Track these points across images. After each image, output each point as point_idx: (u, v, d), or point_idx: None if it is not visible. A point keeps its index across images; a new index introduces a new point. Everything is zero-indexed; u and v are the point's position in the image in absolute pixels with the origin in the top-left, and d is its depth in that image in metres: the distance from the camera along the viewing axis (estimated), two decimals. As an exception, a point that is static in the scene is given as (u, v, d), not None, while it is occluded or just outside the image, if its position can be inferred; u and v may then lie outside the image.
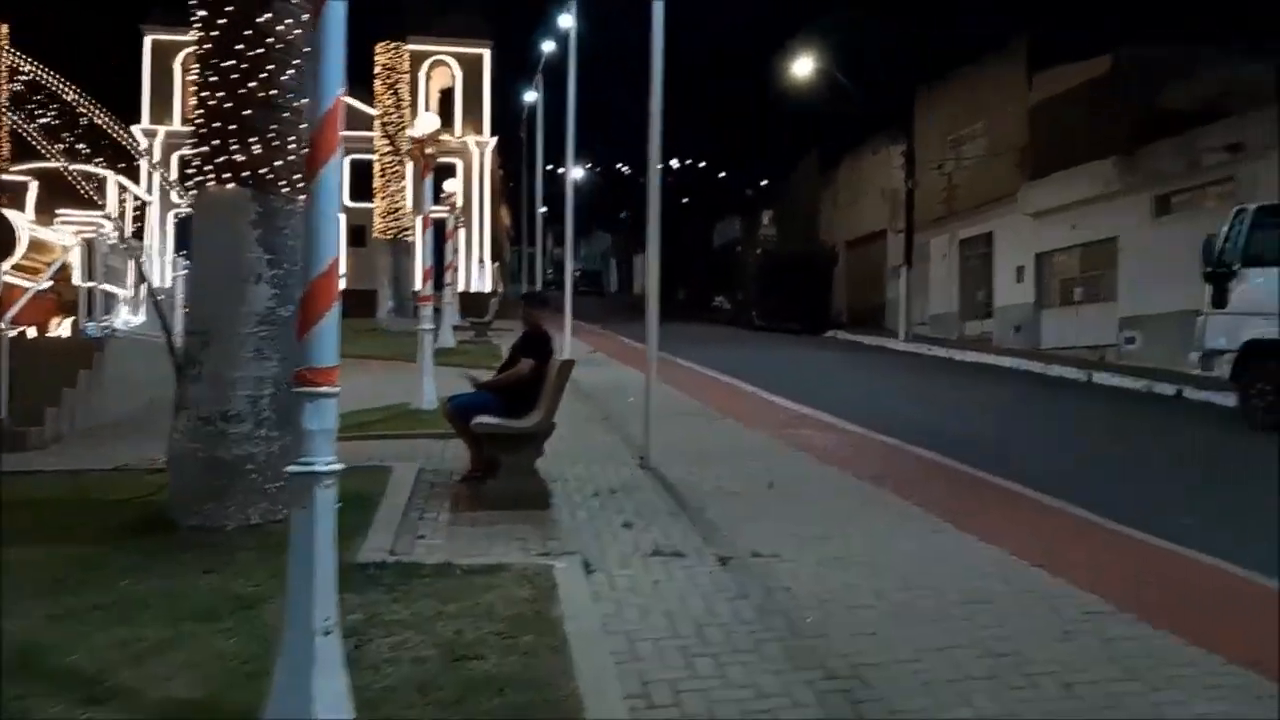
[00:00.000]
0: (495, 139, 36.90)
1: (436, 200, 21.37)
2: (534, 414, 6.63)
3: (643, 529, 5.96)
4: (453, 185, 19.45)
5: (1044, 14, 23.39)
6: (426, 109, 36.70)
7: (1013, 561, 5.36)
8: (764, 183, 45.35)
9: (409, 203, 21.91)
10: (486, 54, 36.41)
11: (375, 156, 23.38)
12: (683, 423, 10.28)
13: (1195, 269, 12.58)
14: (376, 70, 22.87)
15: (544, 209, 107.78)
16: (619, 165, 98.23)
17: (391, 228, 22.53)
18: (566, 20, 16.46)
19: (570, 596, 4.59)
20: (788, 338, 27.69)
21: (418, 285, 10.55)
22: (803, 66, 26.49)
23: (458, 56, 36.36)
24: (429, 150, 10.22)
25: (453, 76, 36.87)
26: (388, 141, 22.38)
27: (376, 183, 23.22)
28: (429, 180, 10.64)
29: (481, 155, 36.73)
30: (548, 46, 22.97)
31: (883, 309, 30.86)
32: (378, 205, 23.07)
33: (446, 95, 37.38)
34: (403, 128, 22.70)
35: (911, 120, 26.59)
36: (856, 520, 6.22)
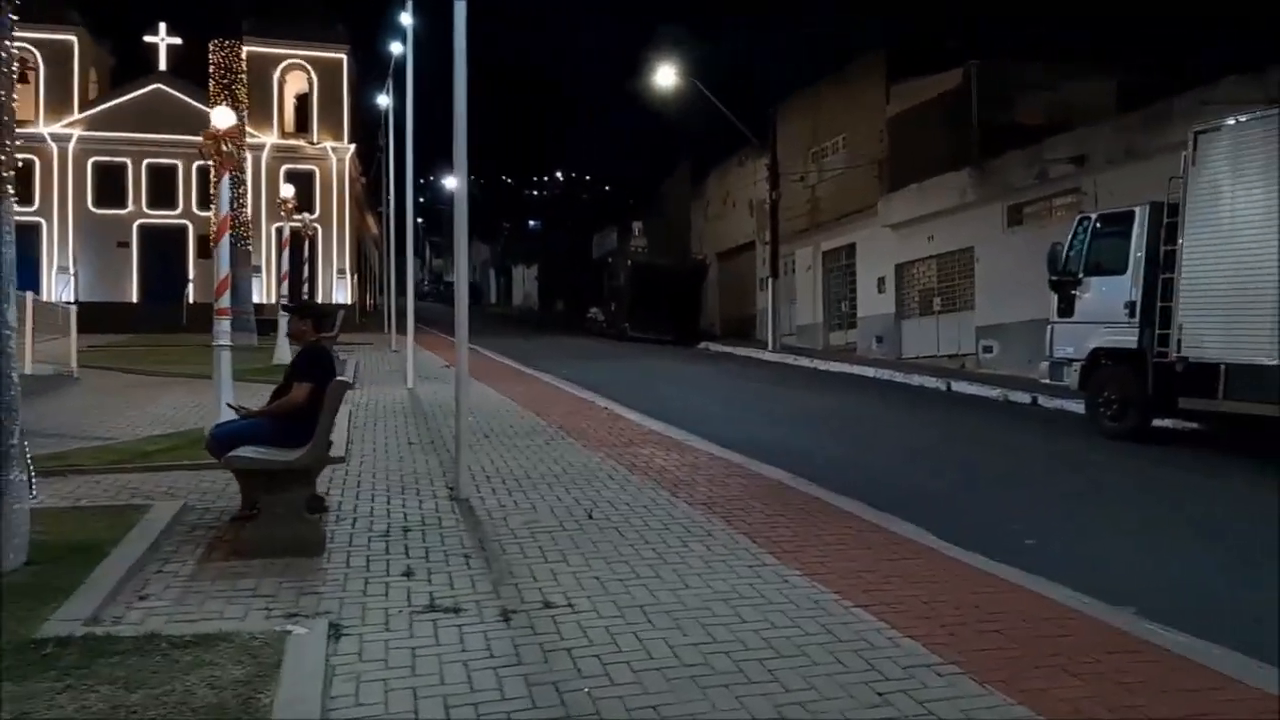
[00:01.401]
0: (354, 146, 35.33)
1: (284, 208, 19.99)
2: (307, 445, 5.70)
3: (425, 577, 5.12)
4: (287, 191, 18.14)
5: (902, 27, 23.67)
6: (281, 114, 34.97)
7: (834, 602, 4.75)
8: (633, 196, 45.05)
9: (248, 208, 20.45)
10: (344, 59, 34.84)
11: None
12: (516, 444, 9.48)
13: (1045, 278, 12.55)
14: (210, 69, 21.29)
15: (420, 220, 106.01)
16: (504, 177, 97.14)
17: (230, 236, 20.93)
18: (406, 19, 15.47)
19: (296, 675, 3.72)
20: (659, 349, 27.24)
21: (226, 299, 9.34)
22: (665, 77, 26.10)
23: (313, 60, 34.67)
24: (226, 148, 9.15)
25: (309, 81, 35.14)
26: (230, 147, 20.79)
27: (211, 188, 21.53)
28: (226, 184, 9.51)
29: (340, 163, 35.08)
30: (397, 49, 21.83)
31: (754, 320, 30.80)
32: (213, 212, 21.41)
33: (304, 101, 35.64)
34: (240, 130, 21.20)
35: (774, 132, 26.54)
36: (673, 556, 5.53)
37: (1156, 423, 11.27)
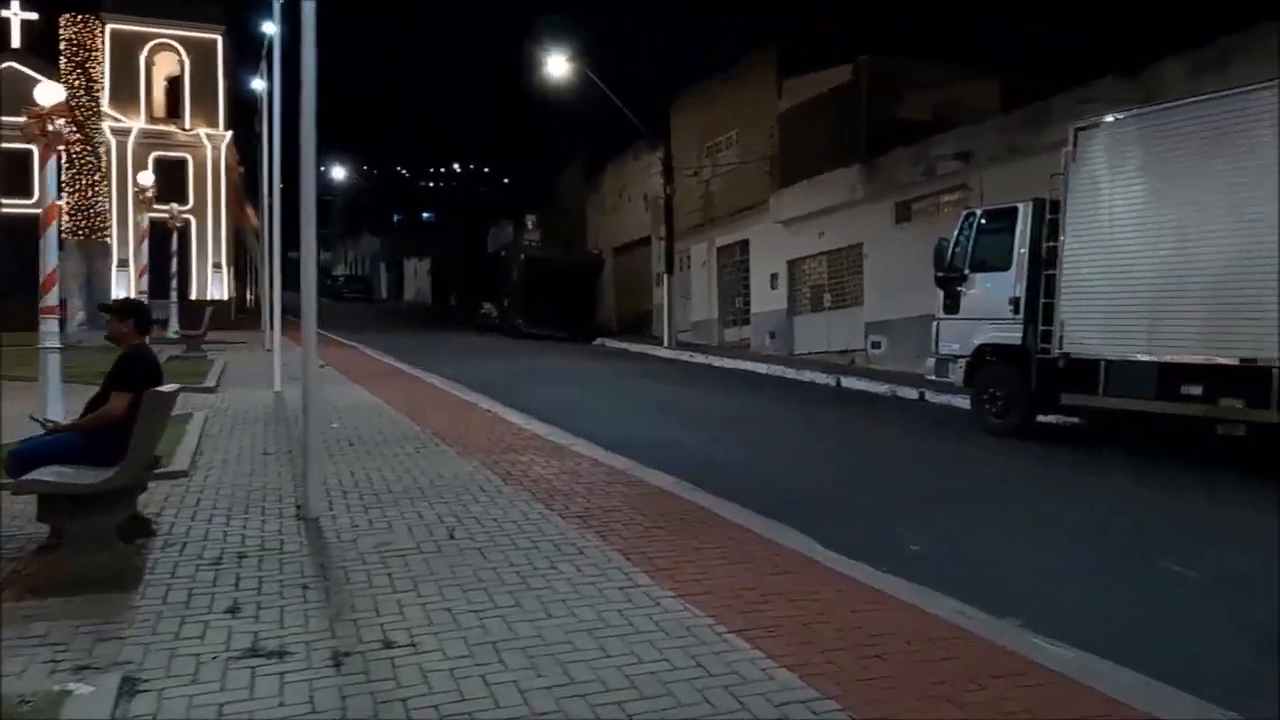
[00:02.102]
0: (230, 133, 33.56)
1: (142, 196, 18.59)
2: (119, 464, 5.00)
3: (253, 614, 4.51)
4: (146, 178, 16.89)
5: (794, 21, 23.66)
6: (150, 98, 32.97)
7: (708, 628, 4.36)
8: (528, 189, 44.29)
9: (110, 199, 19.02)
10: (219, 40, 33.04)
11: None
12: (383, 453, 8.83)
13: (932, 274, 12.52)
14: (61, 45, 19.73)
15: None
16: (398, 168, 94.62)
17: (84, 227, 19.44)
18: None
19: (63, 751, 3.10)
20: (553, 346, 26.68)
21: (53, 296, 8.42)
22: (557, 66, 25.51)
23: (184, 41, 32.78)
24: (52, 128, 8.20)
25: (180, 63, 33.23)
26: (75, 129, 19.30)
27: (64, 175, 20.00)
28: (53, 166, 8.55)
29: (215, 150, 33.30)
30: (270, 28, 20.67)
31: (650, 316, 30.51)
32: (66, 202, 19.88)
33: (175, 84, 33.69)
34: (95, 112, 19.71)
35: (668, 126, 26.25)
36: (538, 580, 5.06)
37: (1040, 419, 11.35)
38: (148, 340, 5.96)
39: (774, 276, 24.09)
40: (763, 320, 24.59)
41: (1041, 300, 10.81)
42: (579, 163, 37.01)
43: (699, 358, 22.97)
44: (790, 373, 19.14)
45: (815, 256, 22.62)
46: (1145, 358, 9.53)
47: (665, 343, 25.69)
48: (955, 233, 12.28)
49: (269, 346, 21.72)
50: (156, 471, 7.55)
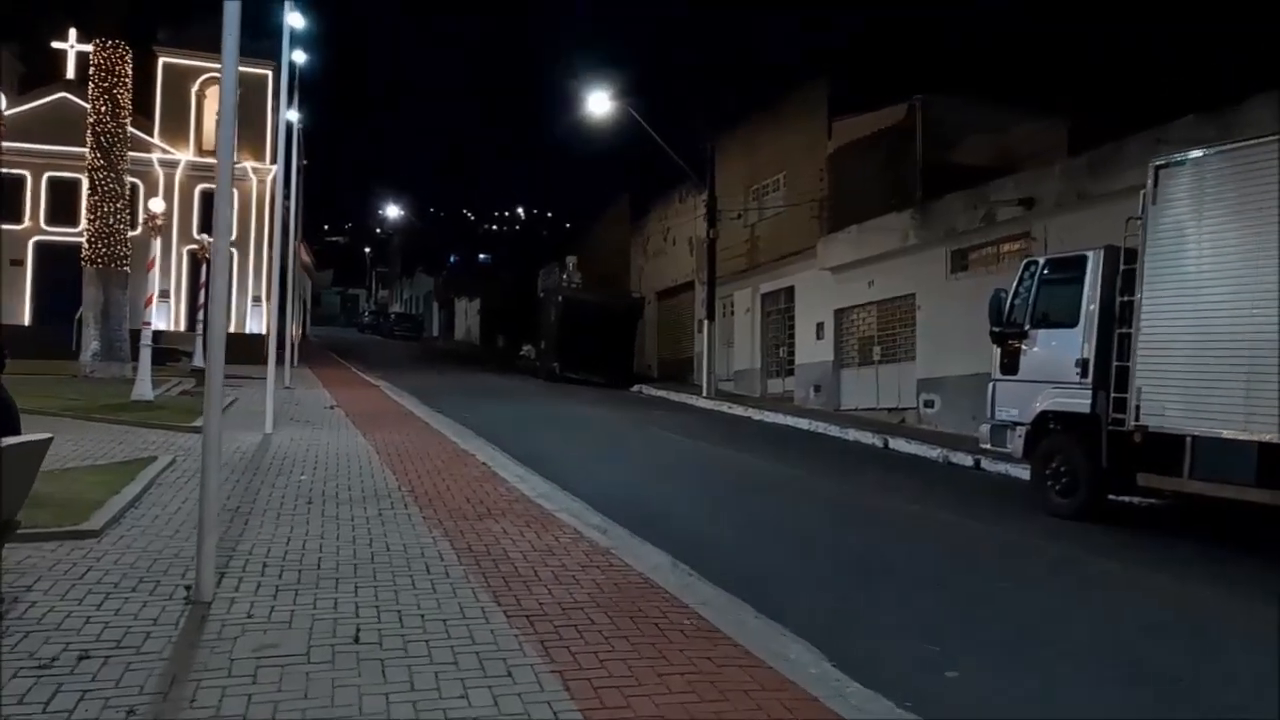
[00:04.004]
0: (276, 167, 33.34)
1: (136, 221, 18.05)
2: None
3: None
4: (157, 205, 16.26)
5: (845, 60, 22.56)
6: (199, 131, 33.02)
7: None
8: (573, 229, 43.63)
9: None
10: (269, 75, 32.96)
11: (86, 173, 19.68)
12: (338, 514, 7.69)
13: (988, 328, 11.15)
14: (90, 71, 19.40)
15: (367, 250, 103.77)
16: (463, 210, 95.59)
17: (103, 255, 18.91)
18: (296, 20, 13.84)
19: None
20: (587, 391, 25.54)
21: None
22: (599, 104, 24.67)
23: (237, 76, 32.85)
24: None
25: (231, 97, 33.26)
26: (100, 154, 18.86)
27: (86, 202, 19.57)
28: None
29: (260, 184, 33.14)
30: (299, 58, 20.29)
31: (691, 363, 29.28)
32: (88, 229, 19.39)
33: (225, 117, 33.71)
34: (121, 138, 19.29)
35: (713, 168, 25.20)
36: (441, 713, 3.82)
37: (1114, 497, 9.83)
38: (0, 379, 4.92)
39: (820, 326, 22.72)
40: (807, 372, 23.18)
41: (1114, 363, 9.36)
42: (623, 204, 36.19)
43: (738, 409, 21.63)
44: (834, 430, 17.71)
45: (864, 306, 21.23)
46: (1241, 436, 8.01)
47: (704, 392, 24.40)
48: (1014, 284, 10.90)
49: (289, 384, 21.05)
50: (59, 530, 6.55)
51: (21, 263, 31.23)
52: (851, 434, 17.17)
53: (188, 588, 5.30)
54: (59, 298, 30.86)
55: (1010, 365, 10.74)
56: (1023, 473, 11.84)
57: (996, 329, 10.80)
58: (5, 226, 31.03)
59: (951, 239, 18.28)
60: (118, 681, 4.07)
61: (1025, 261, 11.19)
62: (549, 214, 79.77)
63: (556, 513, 8.14)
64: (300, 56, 21.73)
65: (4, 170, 30.91)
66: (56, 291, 30.90)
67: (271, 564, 6.07)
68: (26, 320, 30.92)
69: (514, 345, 44.12)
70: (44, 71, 32.68)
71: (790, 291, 24.38)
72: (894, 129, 20.56)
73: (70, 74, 30.79)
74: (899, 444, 15.86)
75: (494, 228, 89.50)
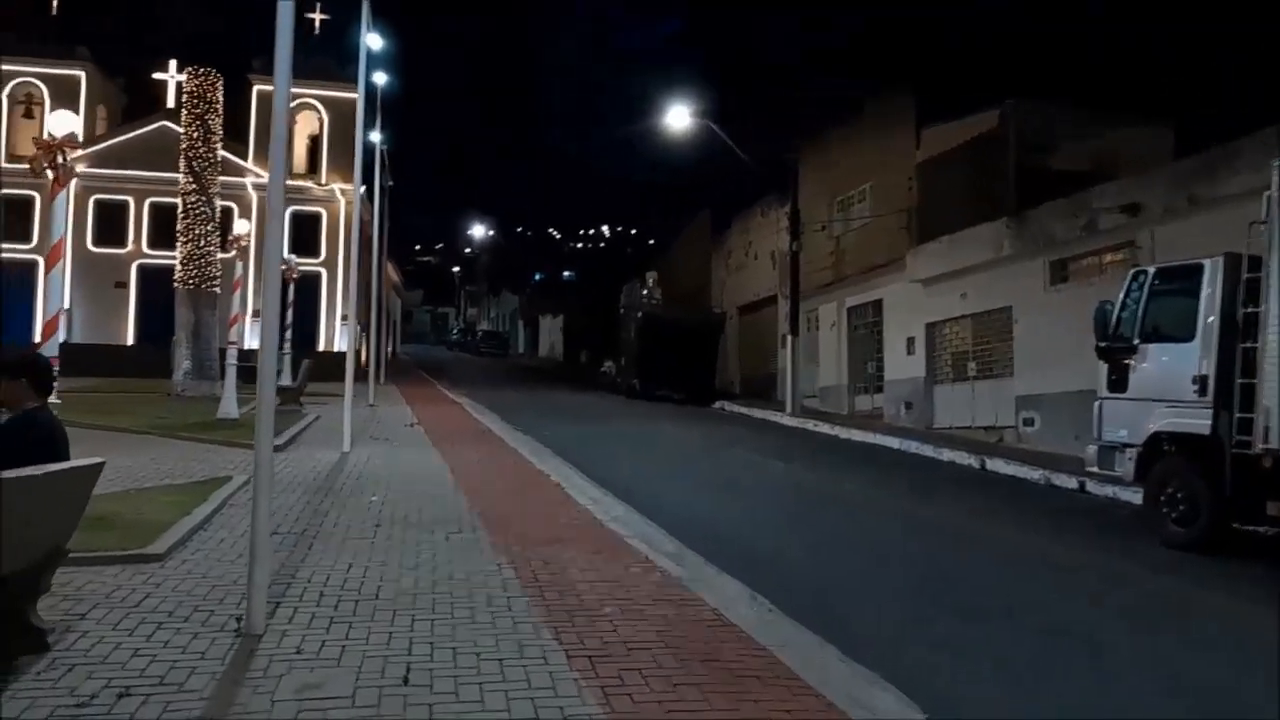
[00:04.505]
0: (364, 188, 34.03)
1: (225, 243, 18.43)
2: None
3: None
4: (242, 226, 16.54)
5: (933, 66, 21.80)
6: (290, 155, 33.91)
7: None
8: (655, 245, 43.42)
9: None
10: (358, 99, 33.70)
11: (179, 196, 20.26)
12: (404, 539, 7.47)
13: (1093, 343, 10.40)
14: (183, 99, 19.98)
15: (456, 269, 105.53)
16: (548, 229, 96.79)
17: (194, 276, 19.39)
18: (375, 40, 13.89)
19: None
20: (668, 409, 25.17)
21: (54, 345, 7.51)
22: (679, 118, 24.37)
23: (325, 101, 33.71)
24: (62, 160, 7.41)
25: (320, 121, 34.14)
26: (192, 178, 19.38)
27: (179, 225, 20.12)
28: (62, 201, 7.75)
29: (349, 205, 33.82)
30: (381, 79, 20.56)
31: (775, 379, 28.65)
32: (179, 251, 19.94)
33: (314, 142, 34.65)
34: (212, 163, 19.80)
35: (796, 179, 24.63)
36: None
37: (1237, 526, 8.97)
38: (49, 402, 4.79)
39: (910, 341, 21.89)
40: (897, 389, 22.35)
41: (1237, 380, 8.55)
42: (704, 218, 35.80)
43: (824, 428, 20.96)
44: (927, 450, 16.93)
45: (958, 320, 20.35)
46: (1391, 460, 7.16)
47: (788, 409, 23.76)
48: (1121, 295, 10.13)
49: (372, 401, 21.24)
50: (122, 554, 6.45)
51: (125, 285, 32.48)
52: (946, 454, 16.38)
53: (239, 619, 5.09)
54: (160, 319, 31.97)
55: (1118, 382, 9.97)
56: (1133, 497, 11.03)
57: (1103, 344, 10.05)
58: (110, 250, 32.39)
59: (1050, 249, 17.36)
60: (153, 723, 3.84)
61: (1133, 271, 10.40)
62: (632, 231, 79.98)
63: (628, 539, 7.77)
64: (382, 78, 21.93)
65: (109, 196, 32.33)
66: (157, 313, 32.02)
67: (329, 593, 5.83)
68: (130, 340, 32.13)
69: (596, 362, 44.09)
70: (146, 102, 34.08)
71: (878, 305, 23.60)
72: (985, 136, 19.74)
73: (170, 103, 32.01)
74: (997, 464, 15.04)
75: (578, 245, 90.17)
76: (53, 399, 7.45)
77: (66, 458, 4.70)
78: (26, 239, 31.55)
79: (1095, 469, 10.33)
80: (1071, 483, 13.15)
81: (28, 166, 7.46)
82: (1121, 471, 9.84)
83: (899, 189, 22.37)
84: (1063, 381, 16.51)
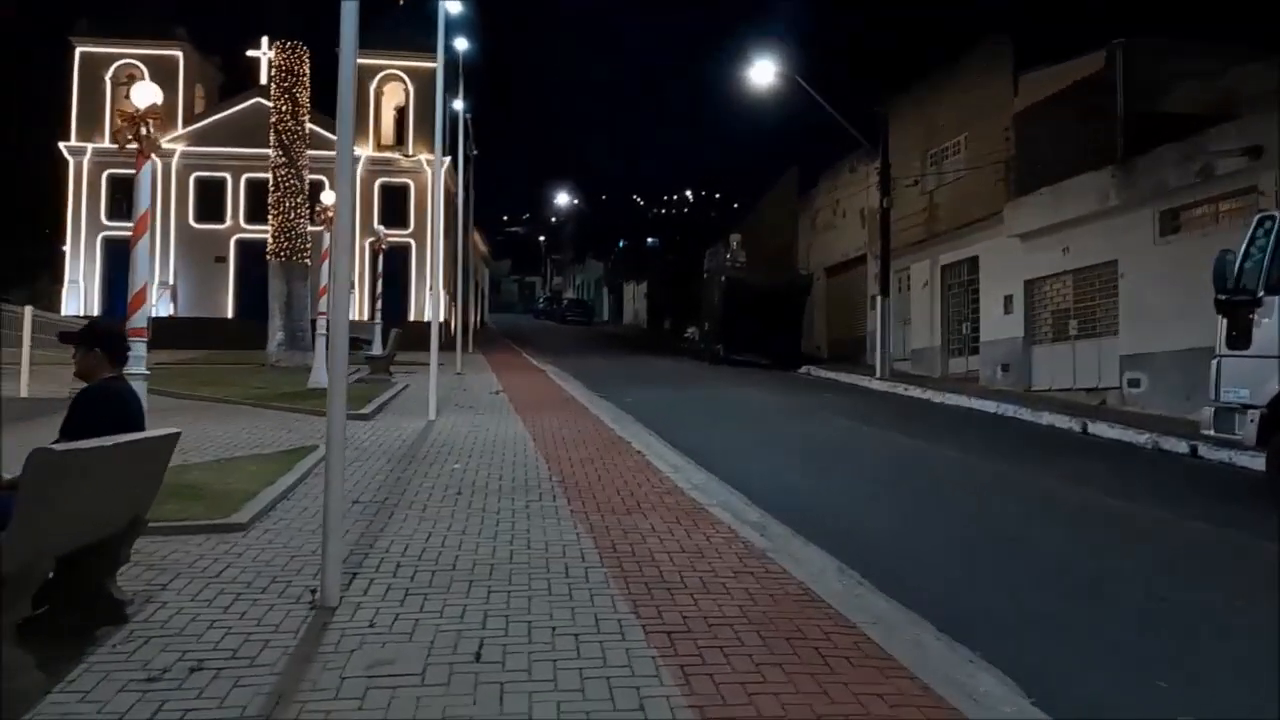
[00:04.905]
0: (449, 158, 34.28)
1: (314, 215, 18.68)
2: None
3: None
4: (329, 197, 16.71)
5: (1031, 7, 20.60)
6: (378, 127, 34.34)
7: None
8: (738, 207, 42.66)
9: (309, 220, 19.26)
10: (438, 67, 33.84)
11: (269, 170, 20.66)
12: (484, 507, 7.38)
13: (1209, 297, 9.67)
14: (272, 73, 20.28)
15: (541, 238, 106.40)
16: (633, 196, 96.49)
17: (285, 249, 19.77)
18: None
19: None
20: (752, 374, 24.76)
21: (141, 317, 7.58)
22: (763, 74, 23.67)
23: (410, 71, 33.95)
24: (146, 131, 7.45)
25: (406, 92, 34.45)
26: (282, 152, 19.69)
27: (269, 198, 20.51)
28: (147, 174, 7.79)
29: (434, 175, 34.12)
30: (462, 45, 20.51)
31: (864, 342, 27.92)
32: (271, 223, 20.36)
33: (401, 113, 35.01)
34: (300, 136, 20.07)
35: (886, 133, 23.73)
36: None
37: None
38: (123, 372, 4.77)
39: (1008, 299, 20.98)
40: (994, 350, 21.49)
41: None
42: (791, 177, 34.95)
43: (916, 391, 20.28)
44: (1025, 413, 16.19)
45: (1058, 276, 19.38)
46: None
47: (878, 373, 23.11)
48: (1244, 244, 9.37)
49: (459, 370, 21.44)
50: (208, 524, 6.51)
51: (224, 260, 33.52)
52: (1045, 417, 15.63)
53: (314, 592, 5.03)
54: (257, 292, 32.93)
55: (1240, 339, 9.25)
56: (1251, 461, 10.30)
57: (1223, 296, 9.32)
58: (209, 226, 33.43)
59: (1160, 198, 16.31)
60: (223, 700, 3.79)
61: (1259, 217, 9.60)
62: (716, 195, 78.98)
63: (710, 507, 7.53)
64: (463, 44, 21.85)
65: (208, 174, 33.29)
66: (255, 286, 32.98)
67: (406, 563, 5.76)
68: (230, 314, 33.21)
69: (679, 328, 43.82)
70: (242, 80, 34.91)
71: (974, 262, 22.68)
72: (1089, 80, 18.58)
73: (263, 80, 32.68)
74: (1100, 428, 14.26)
75: (662, 211, 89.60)
76: (142, 370, 7.59)
77: (141, 428, 4.68)
78: (132, 216, 32.82)
79: (1211, 432, 9.65)
80: (1182, 446, 12.38)
81: (117, 141, 7.46)
82: (1242, 435, 9.15)
83: (995, 140, 21.34)
84: (1172, 339, 15.60)
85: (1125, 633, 5.29)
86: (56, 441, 4.42)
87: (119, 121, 7.44)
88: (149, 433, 4.65)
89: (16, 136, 35.50)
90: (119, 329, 4.97)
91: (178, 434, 4.88)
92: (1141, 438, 13.26)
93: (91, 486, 3.98)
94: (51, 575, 4.32)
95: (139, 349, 7.64)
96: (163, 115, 7.71)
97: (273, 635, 4.52)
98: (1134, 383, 16.86)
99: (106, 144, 30.91)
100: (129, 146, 7.49)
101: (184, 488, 7.59)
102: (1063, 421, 15.11)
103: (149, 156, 7.65)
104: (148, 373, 7.68)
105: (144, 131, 7.49)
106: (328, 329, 16.57)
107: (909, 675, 4.18)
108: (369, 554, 5.98)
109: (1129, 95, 17.74)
